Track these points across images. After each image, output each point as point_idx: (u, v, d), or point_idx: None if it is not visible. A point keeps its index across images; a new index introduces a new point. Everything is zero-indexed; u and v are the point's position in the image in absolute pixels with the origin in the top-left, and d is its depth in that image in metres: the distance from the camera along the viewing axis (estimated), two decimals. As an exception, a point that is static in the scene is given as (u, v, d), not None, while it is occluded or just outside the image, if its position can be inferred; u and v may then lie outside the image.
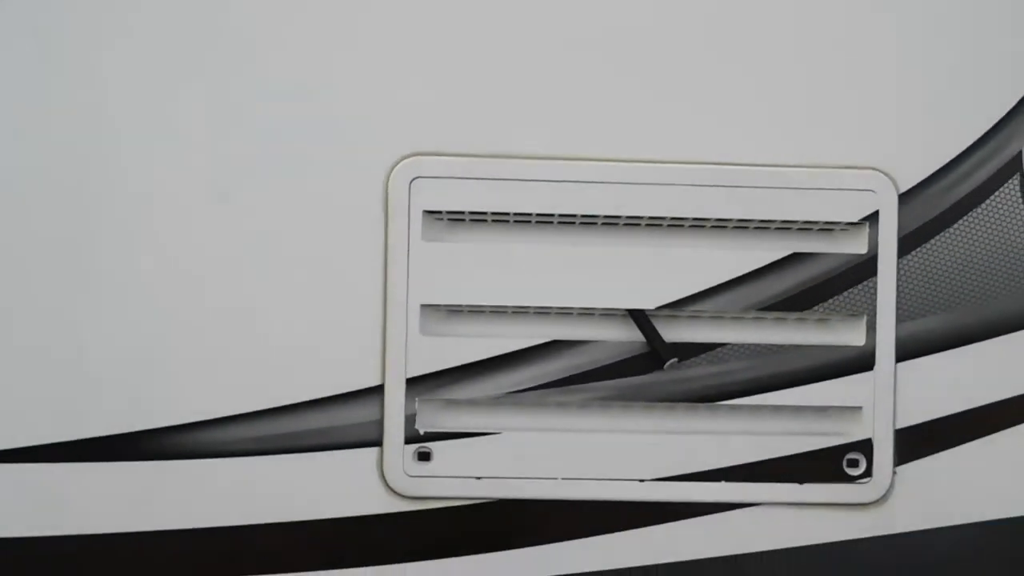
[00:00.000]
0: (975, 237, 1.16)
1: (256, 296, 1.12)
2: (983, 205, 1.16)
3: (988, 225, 1.16)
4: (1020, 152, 1.17)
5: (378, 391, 1.12)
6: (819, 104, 1.15)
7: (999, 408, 1.16)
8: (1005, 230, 1.16)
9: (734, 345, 1.15)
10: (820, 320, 1.16)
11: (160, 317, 1.11)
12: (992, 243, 1.16)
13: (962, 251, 1.16)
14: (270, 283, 1.12)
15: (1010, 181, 1.17)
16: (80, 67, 1.11)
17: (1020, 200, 1.16)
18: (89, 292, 1.11)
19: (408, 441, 1.12)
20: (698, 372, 1.15)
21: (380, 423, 1.12)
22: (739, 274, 1.14)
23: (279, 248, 1.12)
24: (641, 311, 1.14)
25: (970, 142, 1.16)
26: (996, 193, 1.17)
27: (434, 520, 1.13)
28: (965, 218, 1.16)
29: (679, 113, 1.15)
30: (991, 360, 1.16)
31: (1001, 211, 1.17)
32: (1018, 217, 1.16)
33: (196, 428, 1.11)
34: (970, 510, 1.16)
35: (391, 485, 1.13)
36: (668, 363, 1.12)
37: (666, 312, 1.14)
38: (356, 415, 1.12)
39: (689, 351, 1.15)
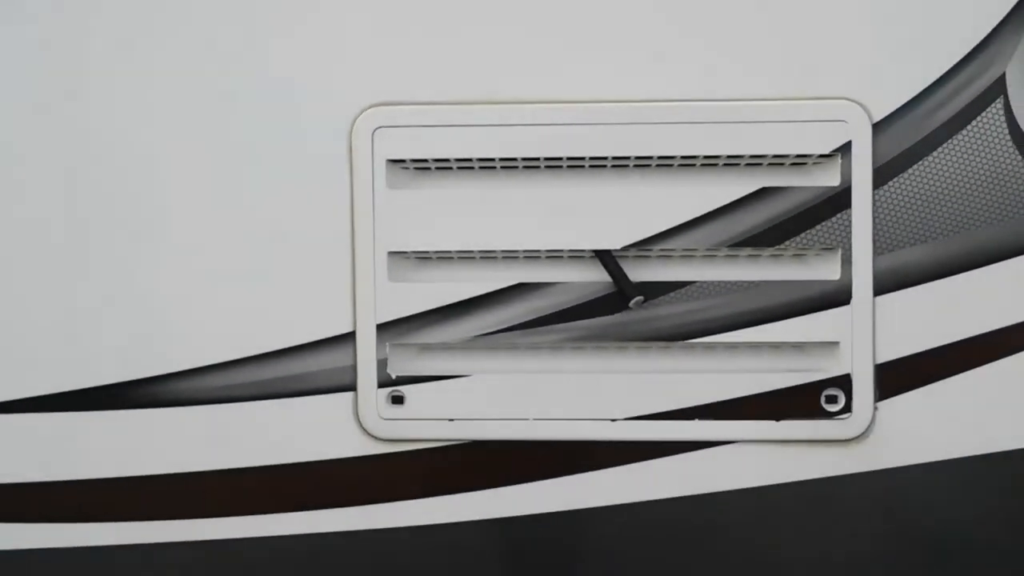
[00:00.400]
0: (956, 165, 1.08)
1: (231, 251, 1.11)
2: (964, 131, 1.08)
3: (970, 152, 1.08)
4: (1004, 74, 1.07)
5: (351, 337, 1.10)
6: (787, 34, 1.08)
7: (982, 341, 1.08)
8: (988, 157, 1.08)
9: (707, 283, 1.09)
10: (794, 255, 1.10)
11: (142, 275, 1.11)
12: (974, 171, 1.08)
13: (942, 180, 1.08)
14: (244, 237, 1.11)
15: (993, 105, 1.08)
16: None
17: (1004, 125, 1.07)
18: (78, 258, 1.11)
19: (381, 385, 1.10)
20: (671, 310, 1.09)
21: (354, 368, 1.10)
22: (707, 211, 1.09)
23: (252, 202, 1.11)
24: (607, 251, 1.09)
25: (949, 66, 1.08)
26: (978, 118, 1.08)
27: (409, 462, 1.11)
28: (945, 146, 1.08)
29: (644, 51, 1.09)
30: (973, 292, 1.08)
31: (984, 137, 1.08)
32: (1002, 143, 1.07)
33: (179, 377, 1.11)
34: (954, 445, 1.09)
35: (366, 428, 1.11)
36: (633, 301, 1.07)
37: (636, 252, 1.09)
38: (331, 361, 1.11)
39: (661, 290, 1.10)
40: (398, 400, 1.11)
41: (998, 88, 1.07)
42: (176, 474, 1.11)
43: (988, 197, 1.08)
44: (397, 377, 1.11)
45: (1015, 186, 1.07)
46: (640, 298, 1.07)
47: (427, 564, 1.11)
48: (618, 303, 1.09)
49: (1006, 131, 1.07)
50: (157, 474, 1.11)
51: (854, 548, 1.10)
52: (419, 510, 1.11)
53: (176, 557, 1.10)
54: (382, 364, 1.10)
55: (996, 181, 1.08)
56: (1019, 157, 1.07)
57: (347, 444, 1.10)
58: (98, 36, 1.10)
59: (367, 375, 1.10)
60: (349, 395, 1.11)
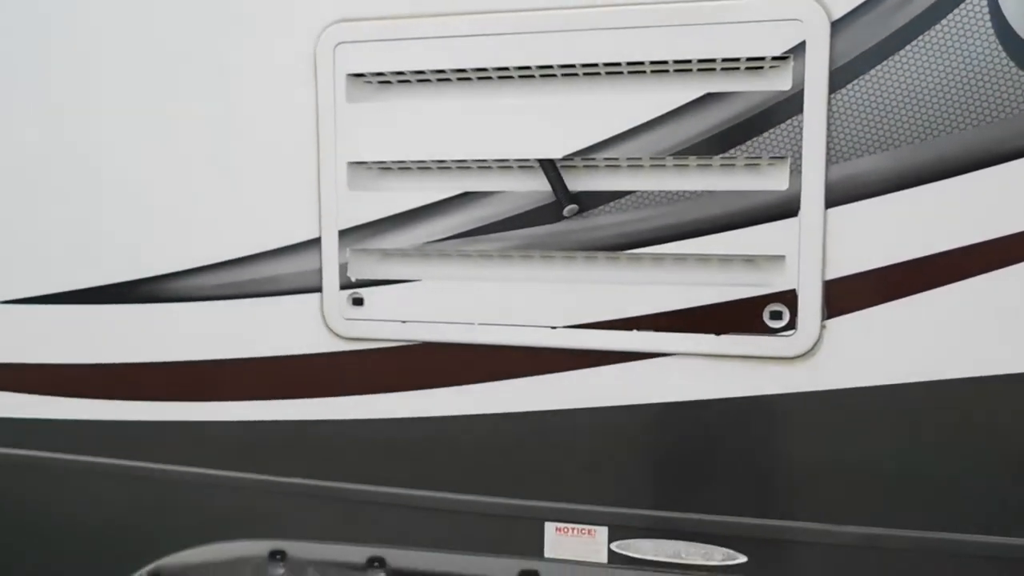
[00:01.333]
0: (927, 65, 0.89)
1: (213, 167, 1.11)
2: (939, 26, 0.88)
3: (944, 50, 0.88)
4: (990, -42, 0.86)
5: (317, 243, 1.07)
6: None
7: (944, 259, 0.90)
8: (966, 55, 0.88)
9: (651, 192, 0.97)
10: (739, 164, 0.95)
11: (141, 189, 1.13)
12: (948, 71, 0.88)
13: (910, 82, 0.90)
14: (223, 154, 1.10)
15: (975, -6, 0.87)
16: None
17: (987, 17, 0.87)
18: (92, 182, 1.14)
19: (343, 287, 1.07)
20: (613, 219, 0.99)
21: (319, 272, 1.08)
22: (648, 119, 0.96)
23: (229, 123, 1.10)
24: (550, 160, 0.99)
25: (925, -48, 0.87)
26: (956, 10, 0.88)
27: (369, 359, 1.08)
28: (916, 42, 0.89)
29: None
30: (938, 206, 0.90)
31: (962, 32, 0.88)
32: (984, 38, 0.87)
33: (175, 277, 1.13)
34: (906, 369, 0.93)
35: (331, 327, 1.09)
36: (567, 209, 0.97)
37: (582, 161, 0.99)
38: (301, 264, 1.09)
39: (607, 199, 0.99)
40: (358, 302, 1.07)
41: (982, -25, 0.86)
42: (169, 362, 1.13)
43: (964, 100, 0.88)
44: (357, 280, 1.07)
45: (997, 87, 0.87)
46: (574, 207, 0.97)
47: (383, 454, 1.08)
48: (559, 212, 0.99)
49: (989, 24, 0.87)
50: (154, 361, 1.14)
51: (791, 468, 0.97)
52: (377, 404, 1.08)
53: (166, 435, 1.14)
54: (344, 268, 1.07)
55: (974, 82, 0.88)
56: (1003, 54, 0.87)
57: (315, 341, 1.09)
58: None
59: (331, 278, 1.08)
60: (316, 296, 1.08)
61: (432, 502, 1.09)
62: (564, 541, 1.05)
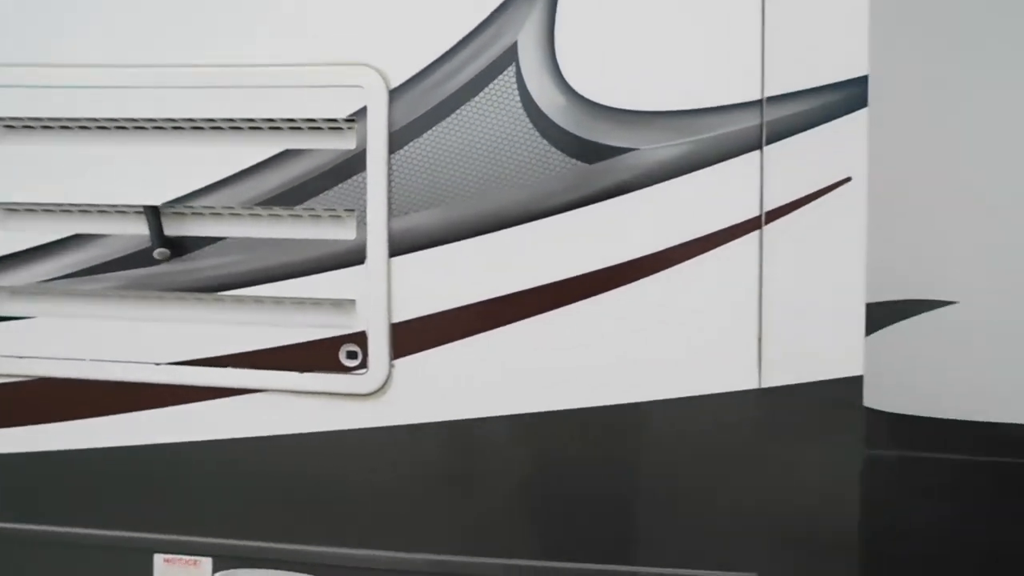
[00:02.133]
0: (469, 132, 1.00)
1: None
2: (477, 98, 1.00)
3: (482, 119, 1.00)
4: (516, 43, 0.98)
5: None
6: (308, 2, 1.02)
7: (498, 304, 1.00)
8: (500, 124, 0.99)
9: (241, 239, 1.05)
10: (321, 215, 1.04)
11: None
12: (486, 137, 1.00)
13: (457, 145, 1.00)
14: None
15: (505, 73, 0.99)
16: None
17: (516, 93, 0.99)
18: None
19: (-33, 323, 1.11)
20: (213, 262, 1.07)
21: (-48, 308, 1.11)
22: (238, 170, 1.04)
23: None
24: (153, 207, 1.06)
25: (463, 34, 0.99)
26: (491, 86, 0.99)
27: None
28: (459, 112, 1.00)
29: (185, 18, 1.05)
30: (484, 257, 1.00)
31: (496, 104, 0.99)
32: (513, 110, 0.99)
33: None
34: (463, 406, 1.02)
35: (-43, 361, 1.12)
36: (157, 252, 1.04)
37: (186, 208, 1.06)
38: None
39: (203, 244, 1.06)
40: (-17, 337, 1.11)
41: (510, 56, 0.99)
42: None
43: (498, 164, 1.00)
44: (-21, 317, 1.11)
45: (525, 153, 0.99)
46: (165, 251, 1.05)
47: (5, 488, 1.12)
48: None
49: (517, 99, 0.99)
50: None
51: (368, 499, 1.05)
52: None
53: None
54: (-34, 304, 1.11)
55: (506, 148, 0.99)
56: (529, 124, 0.98)
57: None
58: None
59: (-46, 314, 1.11)
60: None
61: (47, 536, 1.12)
62: (172, 572, 1.10)
